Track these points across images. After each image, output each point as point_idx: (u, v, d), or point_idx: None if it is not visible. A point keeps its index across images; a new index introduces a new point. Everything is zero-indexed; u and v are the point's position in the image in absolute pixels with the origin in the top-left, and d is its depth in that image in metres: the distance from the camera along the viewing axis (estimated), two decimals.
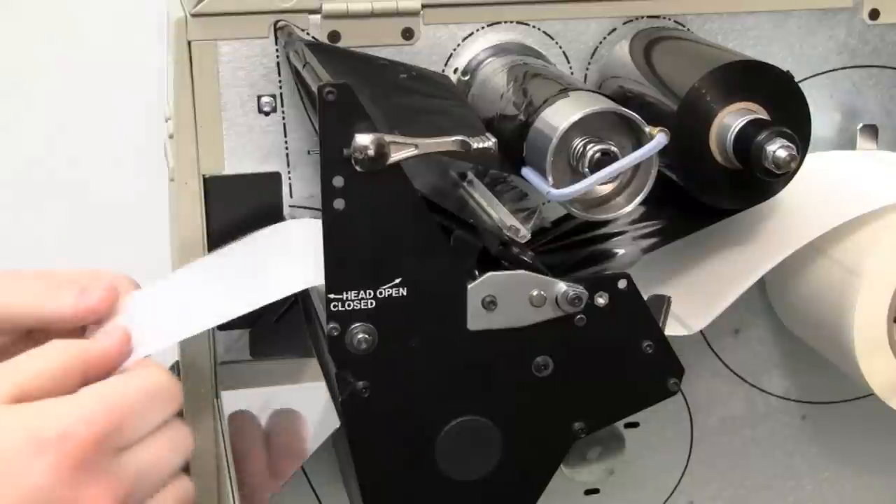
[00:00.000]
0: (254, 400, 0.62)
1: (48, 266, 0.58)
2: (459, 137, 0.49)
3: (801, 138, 0.53)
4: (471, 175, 0.56)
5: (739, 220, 0.60)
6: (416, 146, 0.48)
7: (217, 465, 0.65)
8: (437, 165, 0.56)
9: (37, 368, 0.48)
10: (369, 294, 0.49)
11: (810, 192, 0.61)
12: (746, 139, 0.54)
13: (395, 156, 0.47)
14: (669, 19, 0.64)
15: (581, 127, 0.52)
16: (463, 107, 0.57)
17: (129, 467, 0.47)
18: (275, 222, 0.61)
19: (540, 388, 0.52)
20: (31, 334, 0.54)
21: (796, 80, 0.57)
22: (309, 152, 0.62)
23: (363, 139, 0.47)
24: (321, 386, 0.58)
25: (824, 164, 0.65)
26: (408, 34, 0.61)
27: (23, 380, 0.47)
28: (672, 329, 0.60)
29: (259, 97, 0.61)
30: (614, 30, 0.64)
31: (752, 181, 0.55)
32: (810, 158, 0.57)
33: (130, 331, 0.51)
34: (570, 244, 0.60)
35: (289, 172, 0.62)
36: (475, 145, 0.49)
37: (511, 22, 0.63)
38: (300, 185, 0.62)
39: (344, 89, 0.46)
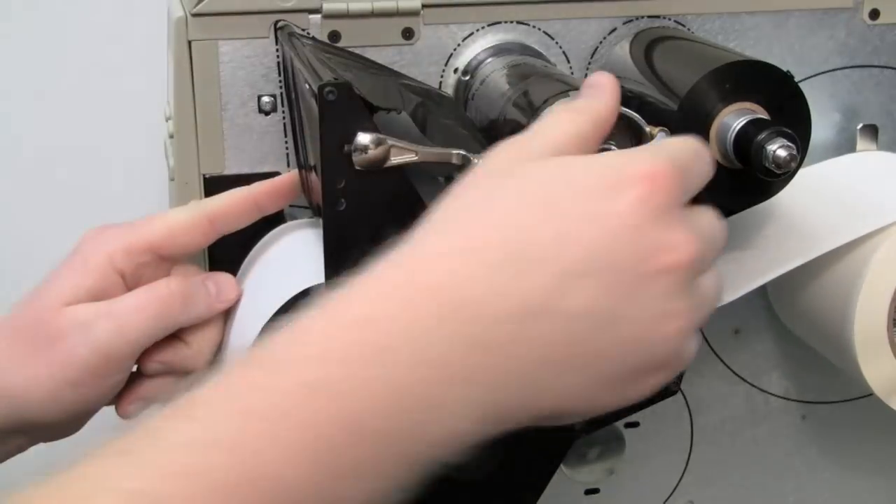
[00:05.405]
0: None
1: (47, 266, 0.58)
2: (461, 152, 0.49)
3: (801, 138, 0.53)
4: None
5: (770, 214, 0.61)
6: (416, 153, 0.48)
7: None
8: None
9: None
10: None
11: (839, 197, 0.61)
12: (746, 139, 0.54)
13: (395, 159, 0.47)
14: (669, 19, 0.64)
15: None
16: (464, 126, 0.57)
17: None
18: (275, 222, 0.61)
19: None
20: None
21: (796, 80, 0.57)
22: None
23: (364, 138, 0.47)
24: None
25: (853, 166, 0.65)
26: (408, 34, 0.61)
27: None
28: None
29: (259, 97, 0.61)
30: (614, 30, 0.64)
31: (752, 181, 0.55)
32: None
33: None
34: None
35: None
36: (475, 160, 0.49)
37: (511, 22, 0.63)
38: None
39: (344, 88, 0.46)
